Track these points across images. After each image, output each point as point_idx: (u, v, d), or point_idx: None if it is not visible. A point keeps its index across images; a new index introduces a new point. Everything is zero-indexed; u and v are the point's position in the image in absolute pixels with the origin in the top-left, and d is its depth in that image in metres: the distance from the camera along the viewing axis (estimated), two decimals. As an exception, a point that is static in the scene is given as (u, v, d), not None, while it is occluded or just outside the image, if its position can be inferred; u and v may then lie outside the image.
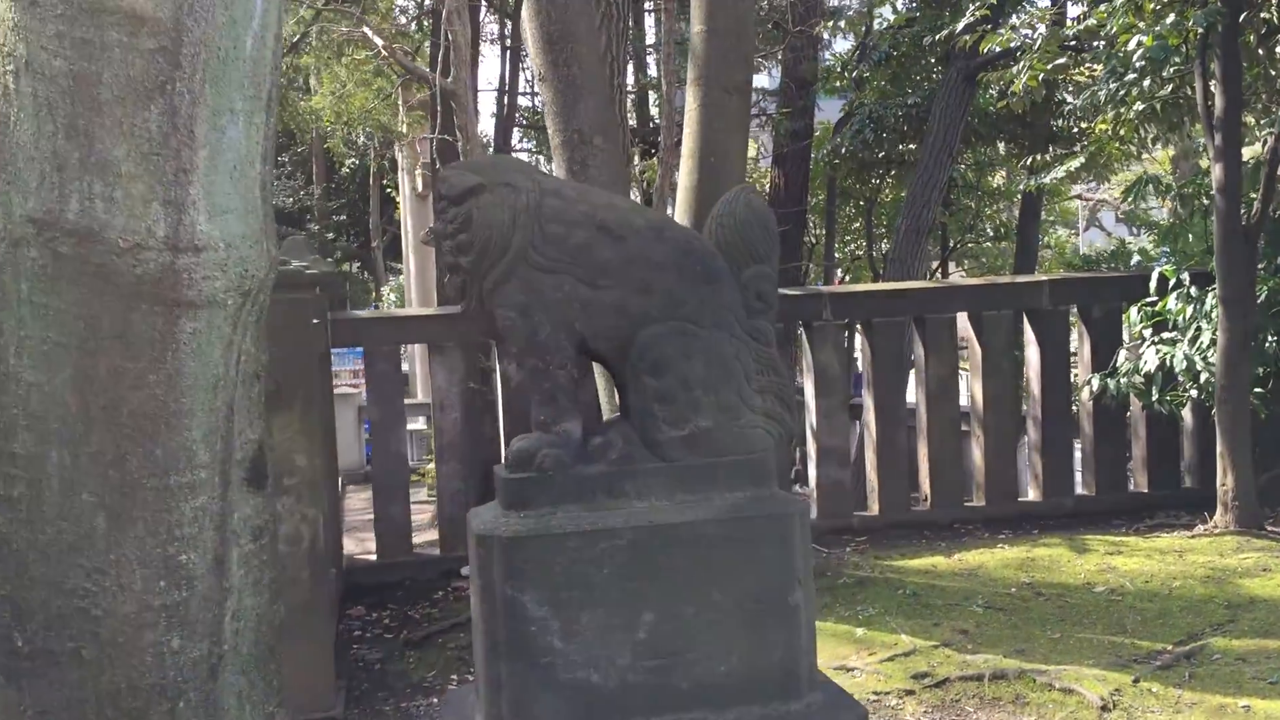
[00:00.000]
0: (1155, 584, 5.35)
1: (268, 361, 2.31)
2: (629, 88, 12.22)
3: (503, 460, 3.20)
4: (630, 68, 14.28)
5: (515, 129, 15.86)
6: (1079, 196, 22.98)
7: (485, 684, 2.95)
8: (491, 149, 13.86)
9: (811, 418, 6.79)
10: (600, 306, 2.99)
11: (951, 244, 15.67)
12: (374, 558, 6.53)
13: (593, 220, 3.00)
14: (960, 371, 7.31)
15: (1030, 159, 12.34)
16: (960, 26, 7.33)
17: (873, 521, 6.74)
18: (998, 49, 7.37)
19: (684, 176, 5.81)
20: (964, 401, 7.24)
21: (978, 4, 7.22)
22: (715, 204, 3.25)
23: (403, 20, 15.46)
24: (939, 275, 14.64)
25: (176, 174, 1.96)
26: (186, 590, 2.06)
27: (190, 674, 2.07)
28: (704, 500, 3.01)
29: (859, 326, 7.29)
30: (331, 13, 11.92)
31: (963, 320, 7.07)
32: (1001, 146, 13.25)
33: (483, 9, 14.42)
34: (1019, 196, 14.46)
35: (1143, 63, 6.12)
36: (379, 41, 10.02)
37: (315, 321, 5.01)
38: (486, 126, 16.12)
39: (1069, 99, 9.45)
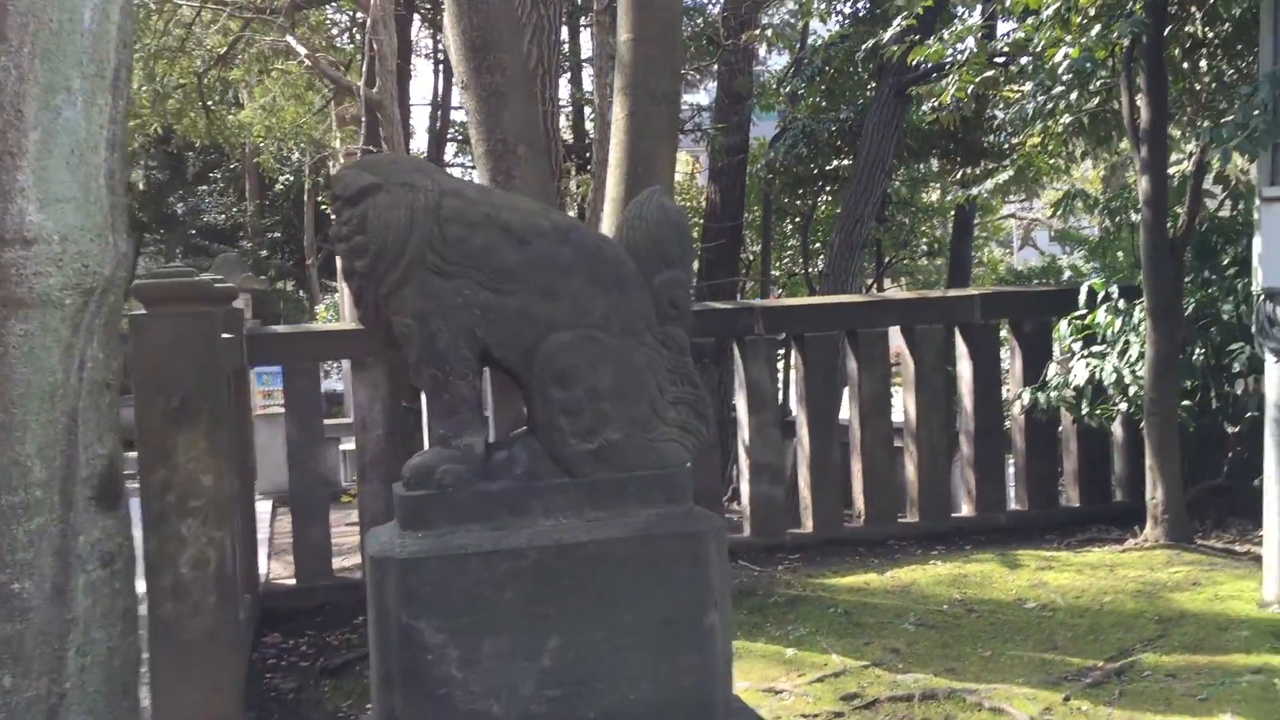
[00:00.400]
0: (1086, 599, 5.29)
1: (127, 371, 2.11)
2: (562, 101, 12.09)
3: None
4: (565, 81, 14.18)
5: (450, 143, 15.69)
6: (1013, 215, 23.32)
7: (379, 718, 2.76)
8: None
9: (744, 434, 6.67)
10: (503, 313, 2.83)
11: (886, 260, 15.75)
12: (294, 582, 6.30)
13: (495, 222, 2.85)
14: (893, 386, 7.24)
15: (961, 173, 12.41)
16: (887, 37, 7.31)
17: (806, 538, 6.63)
18: (928, 62, 7.36)
19: (611, 187, 5.68)
20: (897, 417, 7.17)
21: (905, 15, 7.20)
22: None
23: (334, 32, 15.23)
24: (874, 291, 14.68)
25: (1, 158, 1.76)
26: (20, 623, 1.84)
27: (25, 715, 1.85)
28: (614, 518, 2.86)
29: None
30: (259, 23, 11.66)
31: (895, 335, 7.01)
32: (935, 162, 13.34)
33: (416, 23, 14.25)
34: (952, 213, 14.58)
35: (1069, 75, 6.12)
36: (302, 50, 9.78)
37: (227, 336, 4.81)
38: (422, 141, 15.90)
39: (999, 114, 9.49)
